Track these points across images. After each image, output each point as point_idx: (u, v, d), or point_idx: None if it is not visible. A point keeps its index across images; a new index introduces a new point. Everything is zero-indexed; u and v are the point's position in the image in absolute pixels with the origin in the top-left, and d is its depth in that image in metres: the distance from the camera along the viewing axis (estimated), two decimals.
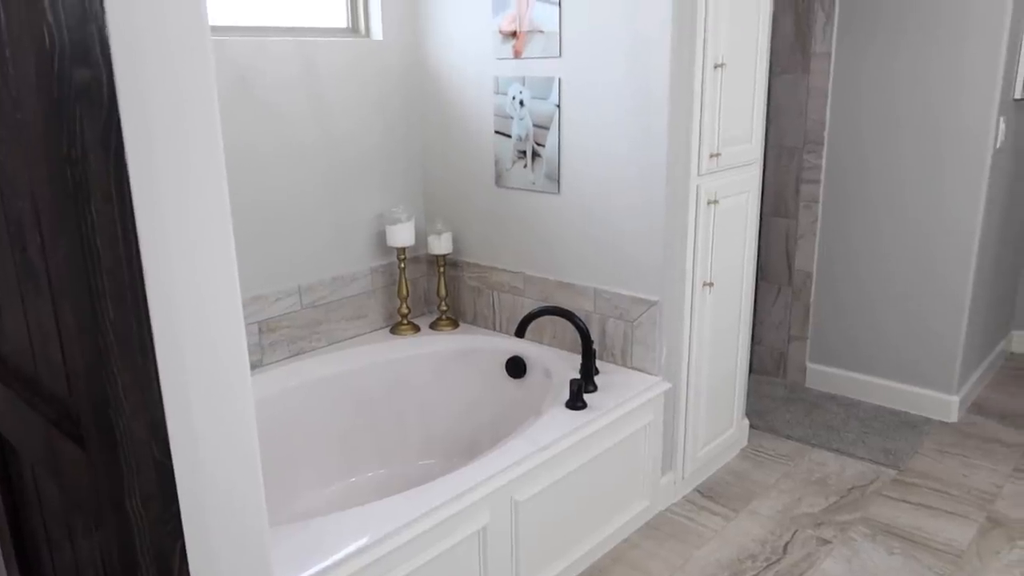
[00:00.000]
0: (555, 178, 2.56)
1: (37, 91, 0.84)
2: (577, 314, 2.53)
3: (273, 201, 2.54)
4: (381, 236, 2.85)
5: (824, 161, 3.31)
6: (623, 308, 2.49)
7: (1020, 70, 3.02)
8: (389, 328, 2.91)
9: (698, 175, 2.38)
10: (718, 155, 2.42)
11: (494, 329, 2.90)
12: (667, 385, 2.47)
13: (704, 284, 2.50)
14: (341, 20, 2.77)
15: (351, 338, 2.83)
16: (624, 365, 2.53)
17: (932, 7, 2.95)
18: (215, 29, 2.43)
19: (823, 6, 3.17)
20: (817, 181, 3.33)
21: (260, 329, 2.57)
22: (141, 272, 0.89)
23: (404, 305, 2.86)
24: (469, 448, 2.76)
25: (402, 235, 2.78)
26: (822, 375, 3.51)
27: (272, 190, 2.53)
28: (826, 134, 3.28)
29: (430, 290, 3.04)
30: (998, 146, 2.99)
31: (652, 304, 2.41)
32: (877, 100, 3.14)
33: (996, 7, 2.82)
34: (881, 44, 3.09)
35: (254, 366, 2.56)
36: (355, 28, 2.79)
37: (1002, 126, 2.98)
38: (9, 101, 0.95)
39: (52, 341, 1.12)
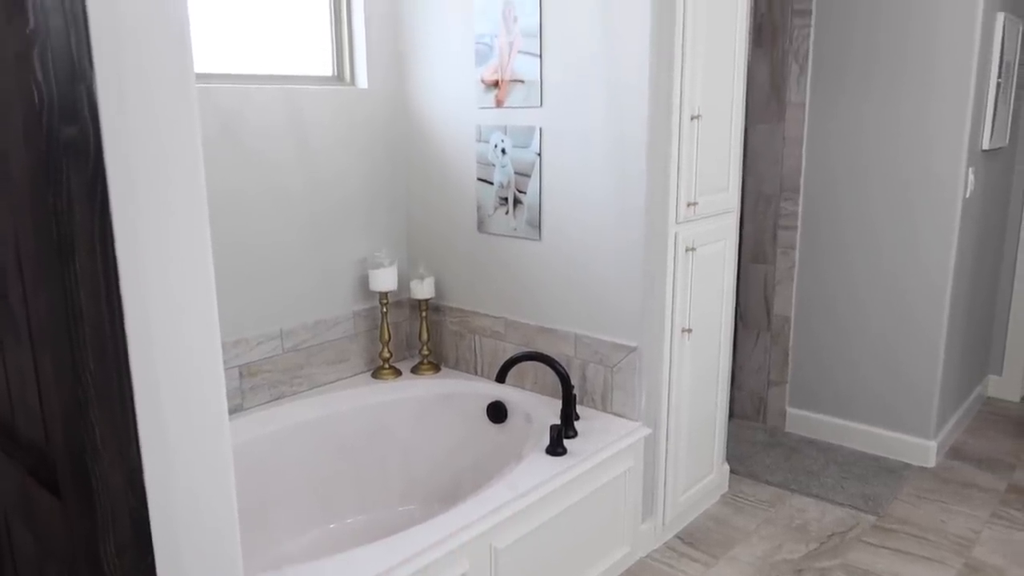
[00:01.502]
0: (536, 225, 2.60)
1: (25, 146, 0.86)
2: (558, 359, 2.55)
3: (258, 245, 2.55)
4: (364, 280, 2.87)
5: (800, 208, 3.38)
6: (603, 353, 2.51)
7: (987, 121, 3.12)
8: (371, 372, 2.91)
9: (676, 223, 2.43)
10: (695, 204, 2.47)
11: (475, 373, 2.91)
12: (647, 431, 2.48)
13: (683, 330, 2.53)
14: (327, 68, 2.82)
15: (332, 382, 2.83)
16: (604, 410, 2.55)
17: (900, 60, 3.04)
18: (201, 76, 2.47)
19: (797, 59, 3.26)
20: (794, 228, 3.40)
21: (241, 373, 2.57)
22: (123, 324, 0.90)
23: (386, 349, 2.87)
24: (450, 493, 2.75)
25: (385, 279, 2.80)
26: (802, 420, 3.54)
27: (257, 234, 2.55)
28: (802, 182, 3.36)
29: (412, 334, 3.05)
30: (967, 196, 3.07)
31: (631, 350, 2.44)
32: (850, 149, 3.22)
33: (961, 62, 2.92)
34: (852, 95, 3.18)
35: (234, 410, 2.55)
36: (340, 76, 2.85)
37: (971, 177, 3.06)
38: None
39: (30, 388, 1.12)
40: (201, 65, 2.48)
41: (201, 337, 0.97)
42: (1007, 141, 3.47)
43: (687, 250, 2.48)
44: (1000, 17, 3.05)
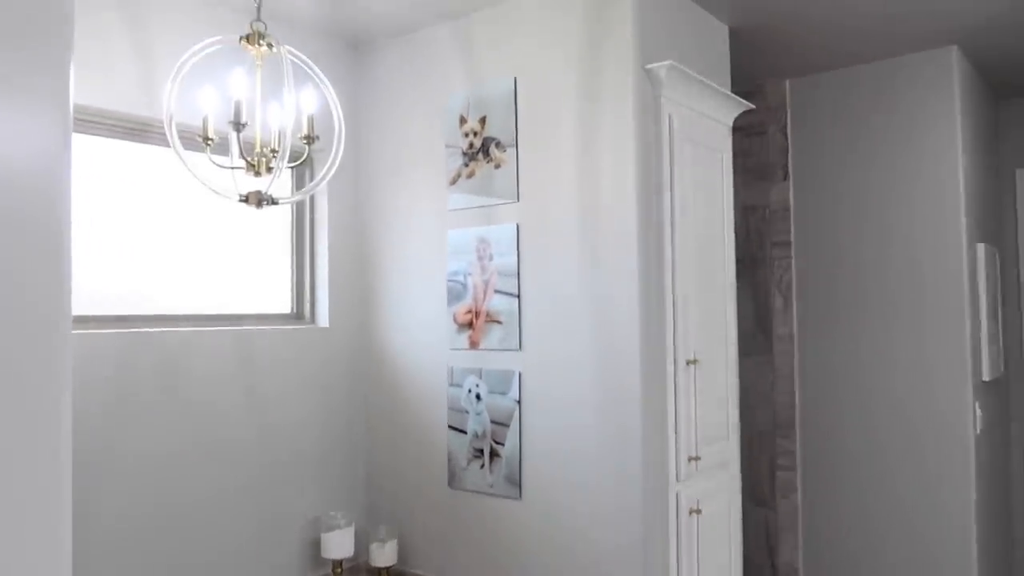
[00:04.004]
0: (516, 481, 2.28)
1: None
2: None
3: (187, 510, 2.17)
4: (315, 545, 2.47)
5: (798, 446, 3.11)
6: None
7: (984, 351, 2.97)
8: None
9: (677, 481, 2.13)
10: (697, 458, 2.18)
11: None
12: None
13: None
14: (285, 306, 2.60)
15: None
16: None
17: (887, 292, 2.93)
18: (147, 319, 2.22)
19: (780, 290, 3.14)
20: (793, 468, 3.11)
21: None
22: None
23: None
24: None
25: (340, 544, 2.41)
26: None
27: (188, 496, 2.18)
28: (797, 417, 3.12)
29: None
30: (978, 432, 2.85)
31: None
32: (847, 384, 3.02)
33: (953, 293, 2.81)
34: (843, 327, 3.03)
35: None
36: (299, 314, 2.62)
37: (979, 411, 2.86)
38: None
39: None
40: (144, 306, 2.24)
41: None
42: (1002, 370, 3.32)
43: (691, 512, 2.16)
44: (980, 248, 2.99)
